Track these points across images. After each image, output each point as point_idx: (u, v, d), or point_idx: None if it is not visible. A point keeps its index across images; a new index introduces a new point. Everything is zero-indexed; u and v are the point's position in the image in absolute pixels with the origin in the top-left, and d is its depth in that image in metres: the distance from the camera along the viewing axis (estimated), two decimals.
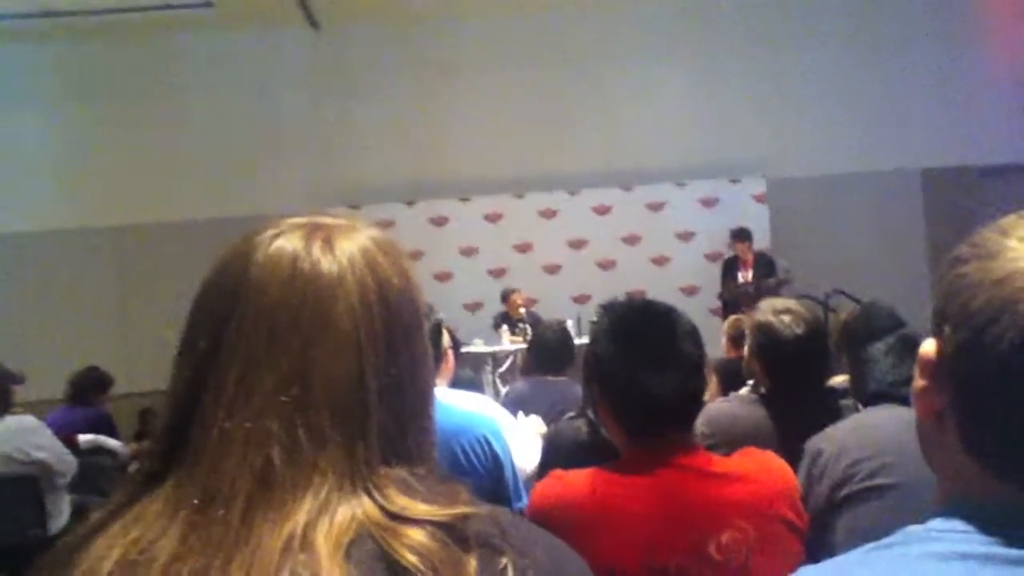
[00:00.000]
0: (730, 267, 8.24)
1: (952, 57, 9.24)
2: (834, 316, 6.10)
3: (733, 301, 7.71)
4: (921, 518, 0.69)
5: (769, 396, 2.37)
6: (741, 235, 8.18)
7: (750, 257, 8.14)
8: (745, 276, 8.05)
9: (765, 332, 2.32)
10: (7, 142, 9.06)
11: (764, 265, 8.13)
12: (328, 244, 0.71)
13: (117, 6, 8.36)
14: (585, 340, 1.79)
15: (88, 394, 5.53)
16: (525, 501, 2.17)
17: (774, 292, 7.22)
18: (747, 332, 2.48)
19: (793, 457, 1.82)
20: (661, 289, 8.18)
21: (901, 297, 2.84)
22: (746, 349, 2.46)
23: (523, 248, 9.09)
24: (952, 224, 8.53)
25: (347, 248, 0.71)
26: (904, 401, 1.91)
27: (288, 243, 0.71)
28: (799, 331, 2.28)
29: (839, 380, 2.65)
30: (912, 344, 1.96)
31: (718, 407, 2.46)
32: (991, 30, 9.25)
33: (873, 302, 2.42)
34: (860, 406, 2.13)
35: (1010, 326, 0.63)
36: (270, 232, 0.72)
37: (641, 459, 1.51)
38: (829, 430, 1.96)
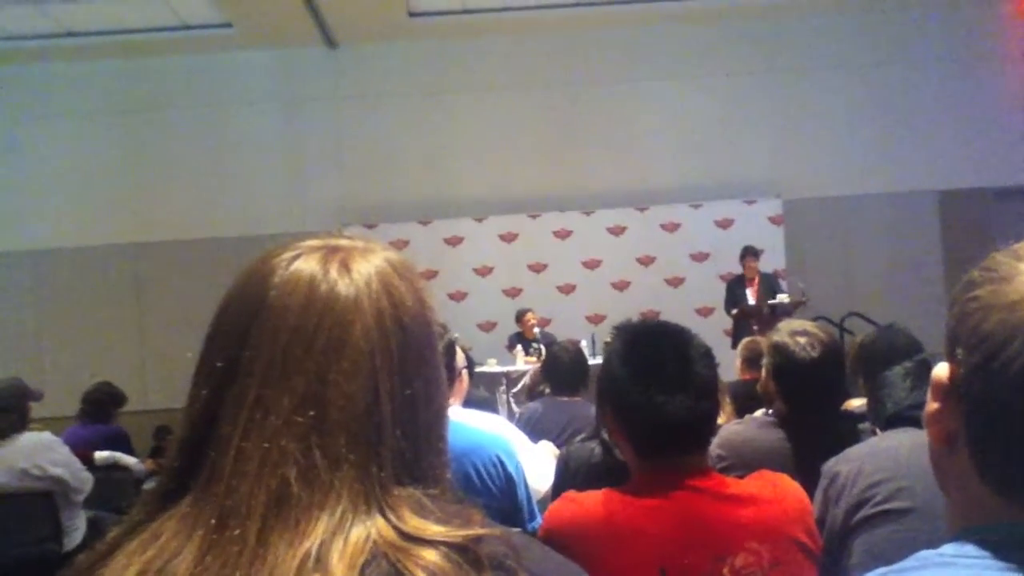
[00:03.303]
0: (736, 287, 8.15)
1: (969, 80, 9.22)
2: (850, 338, 6.07)
3: (747, 318, 7.65)
4: (937, 542, 0.68)
5: (785, 418, 2.35)
6: (754, 252, 8.12)
7: (757, 276, 8.08)
8: (754, 295, 7.98)
9: (782, 353, 2.31)
10: (28, 159, 9.19)
11: (768, 285, 8.06)
12: (345, 267, 0.72)
13: (137, 26, 8.50)
14: (599, 361, 1.79)
15: (100, 410, 5.56)
16: (539, 521, 2.16)
17: (790, 313, 7.18)
18: (764, 353, 2.46)
19: (809, 480, 1.81)
20: (675, 310, 8.18)
21: (918, 319, 2.83)
22: (763, 371, 2.45)
23: (538, 268, 9.10)
24: (969, 246, 8.45)
25: (364, 271, 0.72)
26: (922, 425, 1.89)
27: (306, 265, 0.72)
28: (815, 354, 2.27)
29: (856, 404, 2.63)
30: (930, 368, 1.94)
31: (733, 429, 2.45)
32: (1008, 53, 9.23)
33: (890, 325, 2.41)
34: (877, 430, 2.12)
35: (1022, 349, 0.63)
36: (288, 254, 0.73)
37: (654, 481, 1.50)
38: (846, 453, 1.95)
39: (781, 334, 2.36)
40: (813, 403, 2.30)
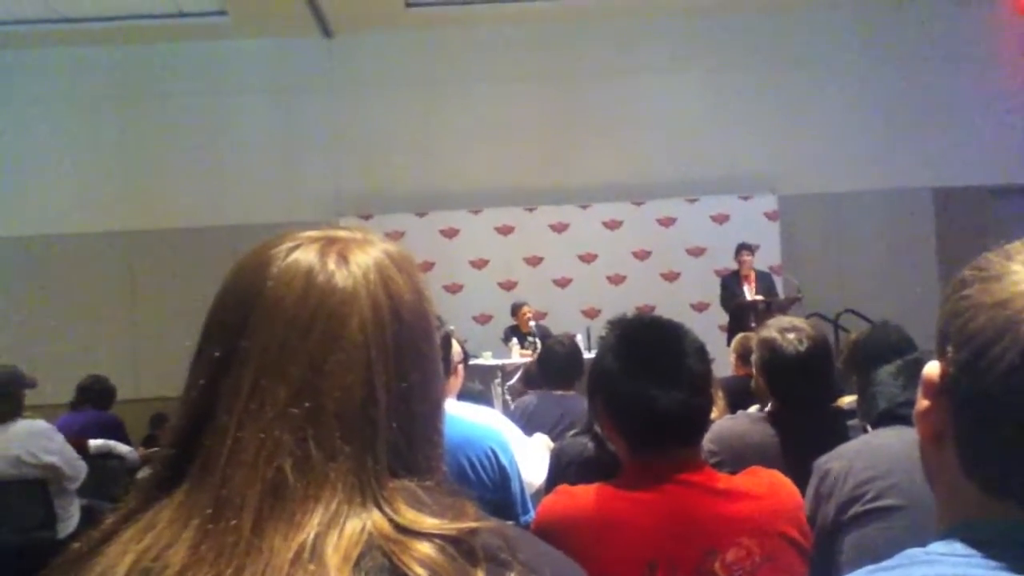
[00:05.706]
0: (731, 283, 8.12)
1: (966, 77, 9.22)
2: (845, 335, 6.09)
3: (742, 312, 7.63)
4: (926, 540, 0.69)
5: (775, 414, 2.36)
6: (749, 248, 8.10)
7: (752, 272, 8.06)
8: (751, 291, 7.97)
9: (769, 348, 2.32)
10: (22, 146, 9.15)
11: (766, 282, 8.05)
12: (343, 258, 0.72)
13: (132, 13, 8.45)
14: (594, 355, 1.79)
15: (95, 399, 5.57)
16: (532, 515, 2.17)
17: (785, 310, 7.18)
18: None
19: (800, 477, 1.82)
20: (671, 305, 8.17)
21: (912, 316, 2.84)
22: (753, 367, 2.45)
23: (533, 261, 9.10)
24: (963, 244, 8.46)
25: (362, 262, 0.72)
26: (913, 422, 1.89)
27: (304, 256, 0.71)
28: (802, 348, 2.27)
29: (847, 400, 2.64)
30: (922, 367, 1.94)
31: (725, 425, 2.46)
32: (1006, 51, 9.24)
33: (884, 322, 2.42)
34: (868, 427, 2.12)
35: (1010, 347, 0.63)
36: (286, 244, 0.73)
37: (646, 475, 1.51)
38: (838, 449, 1.95)
39: (769, 330, 2.37)
40: (802, 398, 2.30)
